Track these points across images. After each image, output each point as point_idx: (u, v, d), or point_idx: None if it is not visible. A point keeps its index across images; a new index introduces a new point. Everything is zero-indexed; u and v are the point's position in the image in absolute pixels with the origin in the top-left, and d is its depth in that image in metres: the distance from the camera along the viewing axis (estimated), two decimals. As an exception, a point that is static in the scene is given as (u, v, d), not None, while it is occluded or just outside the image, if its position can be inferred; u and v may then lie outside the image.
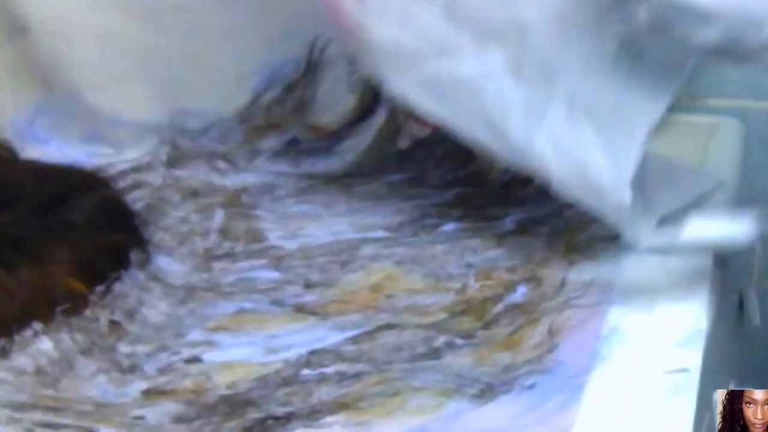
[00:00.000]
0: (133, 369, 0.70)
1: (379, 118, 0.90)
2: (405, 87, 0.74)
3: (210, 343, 0.72)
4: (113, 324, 0.74)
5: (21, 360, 0.70)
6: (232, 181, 0.89)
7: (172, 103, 0.92)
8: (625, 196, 0.69)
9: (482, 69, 0.69)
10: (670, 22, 0.63)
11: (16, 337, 0.71)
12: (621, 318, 0.71)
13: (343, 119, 0.91)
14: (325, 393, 0.67)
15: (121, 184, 0.86)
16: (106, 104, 0.91)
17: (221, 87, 0.92)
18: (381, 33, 0.72)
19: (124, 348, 0.72)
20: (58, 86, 0.92)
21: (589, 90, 0.68)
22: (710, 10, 0.62)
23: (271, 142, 0.92)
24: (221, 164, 0.90)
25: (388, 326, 0.73)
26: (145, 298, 0.76)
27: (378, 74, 0.75)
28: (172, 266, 0.79)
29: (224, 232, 0.84)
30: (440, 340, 0.71)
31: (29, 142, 0.93)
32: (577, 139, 0.69)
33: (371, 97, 0.89)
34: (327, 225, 0.84)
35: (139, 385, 0.69)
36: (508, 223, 0.83)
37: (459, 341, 0.71)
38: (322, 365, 0.70)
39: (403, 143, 0.90)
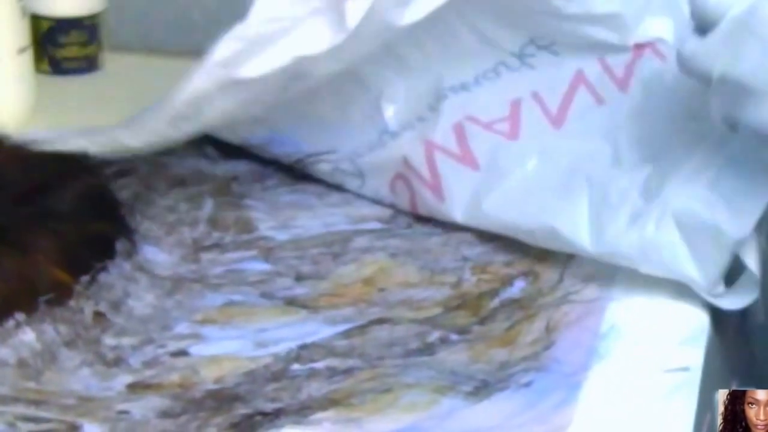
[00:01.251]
0: (118, 362, 0.69)
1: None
2: None
3: (197, 337, 0.72)
4: (98, 315, 0.73)
5: (2, 351, 0.69)
6: (222, 168, 0.89)
7: None
8: (716, 298, 0.71)
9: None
10: (739, 109, 0.64)
11: (-2, 328, 0.70)
12: (620, 314, 0.71)
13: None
14: (315, 389, 0.66)
15: (107, 171, 0.85)
16: None
17: None
18: None
19: (109, 340, 0.71)
20: None
21: (683, 203, 0.71)
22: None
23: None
24: (210, 151, 0.90)
25: (381, 321, 0.72)
26: (131, 289, 0.75)
27: None
28: (159, 256, 0.79)
29: (213, 222, 0.83)
30: (434, 336, 0.71)
31: None
32: (667, 246, 0.71)
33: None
34: (319, 216, 0.84)
35: (123, 379, 0.68)
36: (505, 215, 0.82)
37: (454, 337, 0.71)
38: (313, 360, 0.69)
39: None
